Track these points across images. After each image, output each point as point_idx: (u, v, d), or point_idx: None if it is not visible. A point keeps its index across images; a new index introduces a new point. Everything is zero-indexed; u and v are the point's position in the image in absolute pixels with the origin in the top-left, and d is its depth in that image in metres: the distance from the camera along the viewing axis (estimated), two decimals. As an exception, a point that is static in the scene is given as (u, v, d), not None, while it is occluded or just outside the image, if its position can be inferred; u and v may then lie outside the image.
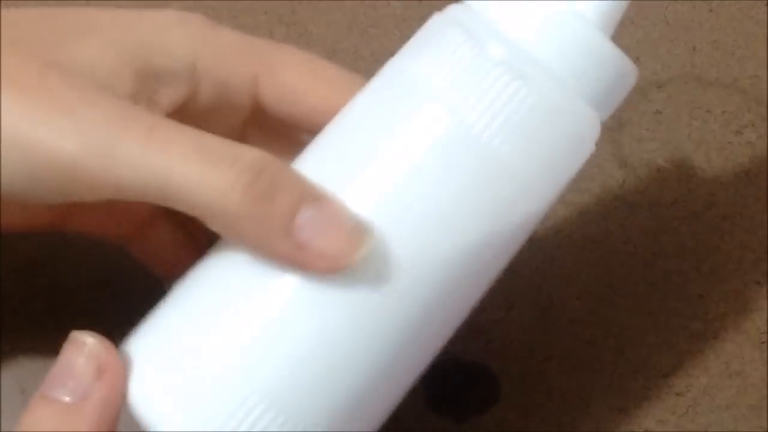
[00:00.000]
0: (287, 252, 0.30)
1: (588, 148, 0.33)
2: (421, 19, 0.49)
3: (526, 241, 0.33)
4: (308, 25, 0.48)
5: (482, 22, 0.32)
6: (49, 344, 0.40)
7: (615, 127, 0.47)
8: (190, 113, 0.34)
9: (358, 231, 0.30)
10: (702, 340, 0.42)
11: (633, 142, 0.47)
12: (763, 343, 0.42)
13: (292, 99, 0.35)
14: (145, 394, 0.31)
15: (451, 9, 0.33)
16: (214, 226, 0.30)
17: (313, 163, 0.32)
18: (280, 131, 0.37)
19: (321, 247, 0.29)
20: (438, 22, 0.33)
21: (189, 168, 0.29)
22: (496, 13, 0.32)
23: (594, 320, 0.43)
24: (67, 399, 0.30)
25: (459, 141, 0.31)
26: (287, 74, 0.35)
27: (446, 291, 0.32)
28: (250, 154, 0.30)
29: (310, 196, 0.30)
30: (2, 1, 0.38)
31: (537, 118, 0.31)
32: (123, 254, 0.41)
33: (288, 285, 0.30)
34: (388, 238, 0.30)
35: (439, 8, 0.49)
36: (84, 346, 0.30)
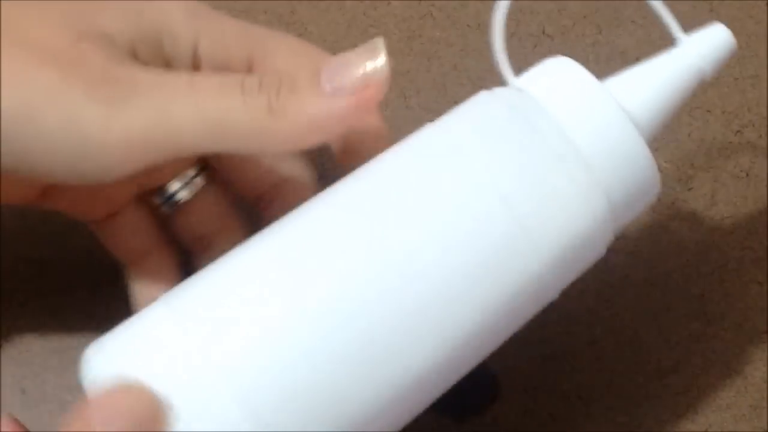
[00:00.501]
0: (343, 105, 0.32)
1: (599, 246, 0.34)
2: (421, 19, 0.49)
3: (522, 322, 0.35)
4: (308, 25, 0.48)
5: (539, 109, 0.33)
6: (49, 344, 0.41)
7: (615, 127, 0.47)
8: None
9: (367, 49, 0.33)
10: (702, 340, 0.42)
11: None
12: (763, 343, 0.42)
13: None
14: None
15: (504, 93, 0.34)
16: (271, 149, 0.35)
17: (341, 206, 0.32)
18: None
19: (349, 81, 0.32)
20: (490, 102, 0.34)
21: (233, 104, 0.32)
22: (550, 100, 0.33)
23: (594, 320, 0.43)
24: None
25: (490, 204, 0.32)
26: (279, 59, 0.36)
27: (452, 345, 0.32)
28: (265, 75, 0.33)
29: (320, 61, 0.33)
30: None
31: (564, 201, 0.32)
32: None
33: (291, 309, 0.30)
34: (406, 291, 0.31)
35: (440, 8, 0.49)
36: (142, 394, 0.30)
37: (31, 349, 0.40)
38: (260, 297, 0.31)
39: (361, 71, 0.32)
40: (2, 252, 0.41)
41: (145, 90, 0.32)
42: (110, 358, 0.31)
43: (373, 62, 0.32)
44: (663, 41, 0.49)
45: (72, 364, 0.39)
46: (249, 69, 0.36)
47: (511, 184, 0.32)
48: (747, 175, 0.46)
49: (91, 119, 0.31)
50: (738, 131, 0.47)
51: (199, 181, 0.38)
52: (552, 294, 0.34)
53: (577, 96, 0.33)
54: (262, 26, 0.37)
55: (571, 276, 0.34)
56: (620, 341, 0.42)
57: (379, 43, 0.33)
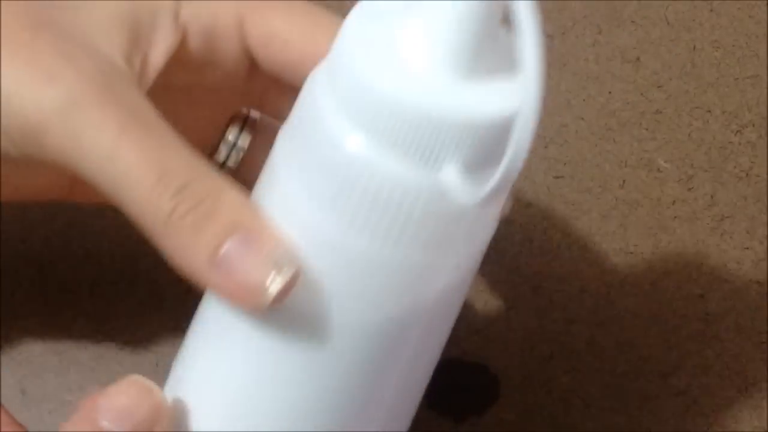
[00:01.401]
0: (215, 281, 0.30)
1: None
2: (421, 19, 0.49)
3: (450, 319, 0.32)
4: (308, 25, 0.48)
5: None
6: (49, 344, 0.40)
7: (615, 127, 0.47)
8: (184, 63, 0.34)
9: (278, 264, 0.29)
10: (702, 340, 0.42)
11: (633, 142, 0.47)
12: (763, 343, 0.42)
13: (280, 44, 0.35)
14: None
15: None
16: (152, 239, 0.31)
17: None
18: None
19: (239, 279, 0.29)
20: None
21: (143, 184, 0.30)
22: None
23: (594, 320, 0.43)
24: None
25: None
26: (274, 18, 0.35)
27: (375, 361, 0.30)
28: (200, 184, 0.30)
29: (242, 225, 0.30)
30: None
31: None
32: (123, 254, 0.41)
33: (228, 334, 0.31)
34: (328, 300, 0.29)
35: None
36: (150, 394, 0.30)
37: (31, 349, 0.40)
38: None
39: (259, 275, 0.29)
40: (2, 252, 0.41)
41: (78, 98, 0.30)
42: None
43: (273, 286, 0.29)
44: (663, 40, 0.49)
45: (72, 364, 0.39)
46: (241, 30, 0.35)
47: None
48: (747, 175, 0.46)
49: (19, 100, 0.31)
50: (738, 131, 0.47)
51: (244, 140, 0.37)
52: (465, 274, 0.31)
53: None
54: None
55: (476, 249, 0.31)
56: (620, 341, 0.42)
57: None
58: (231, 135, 0.37)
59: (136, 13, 0.33)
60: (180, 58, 0.34)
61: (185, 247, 0.30)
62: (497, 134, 0.27)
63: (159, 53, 0.34)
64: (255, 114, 0.38)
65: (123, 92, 0.31)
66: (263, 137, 0.37)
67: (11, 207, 0.38)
